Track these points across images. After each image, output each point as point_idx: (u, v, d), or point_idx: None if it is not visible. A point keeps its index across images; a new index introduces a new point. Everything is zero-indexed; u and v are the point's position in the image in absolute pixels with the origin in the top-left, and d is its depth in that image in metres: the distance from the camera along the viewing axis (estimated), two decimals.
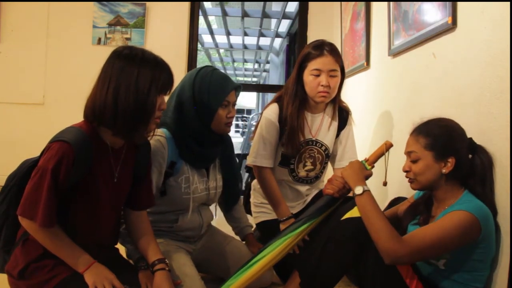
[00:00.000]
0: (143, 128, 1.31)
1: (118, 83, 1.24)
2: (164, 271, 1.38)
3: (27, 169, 1.31)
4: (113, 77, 1.25)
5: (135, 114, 1.25)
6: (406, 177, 1.39)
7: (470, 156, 1.33)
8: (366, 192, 1.36)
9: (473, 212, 1.21)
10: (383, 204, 1.69)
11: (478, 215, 1.21)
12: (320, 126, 1.95)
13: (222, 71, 1.71)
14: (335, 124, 1.96)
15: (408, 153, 1.37)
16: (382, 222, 1.27)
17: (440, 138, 1.32)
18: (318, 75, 1.82)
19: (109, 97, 1.24)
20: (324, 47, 1.83)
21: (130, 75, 1.24)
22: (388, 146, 1.50)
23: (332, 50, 1.83)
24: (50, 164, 1.19)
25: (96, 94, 1.26)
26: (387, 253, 1.22)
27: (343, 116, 1.99)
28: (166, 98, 1.39)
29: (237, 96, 1.64)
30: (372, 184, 1.59)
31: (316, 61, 1.82)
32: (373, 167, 1.52)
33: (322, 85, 1.81)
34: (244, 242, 1.88)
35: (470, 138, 1.35)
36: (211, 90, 1.56)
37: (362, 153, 2.20)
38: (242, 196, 2.20)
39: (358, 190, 1.37)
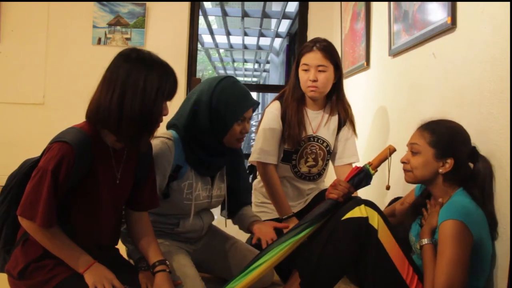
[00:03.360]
0: (147, 135, 1.30)
1: (124, 88, 1.22)
2: (165, 272, 1.37)
3: (27, 169, 1.30)
4: (119, 81, 1.23)
5: (140, 121, 1.24)
6: (404, 168, 1.40)
7: (472, 164, 1.33)
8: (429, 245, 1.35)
9: (454, 217, 1.23)
10: (383, 204, 1.69)
11: (460, 218, 1.23)
12: (320, 123, 1.96)
13: (221, 71, 1.70)
14: (335, 121, 1.97)
15: (410, 144, 1.39)
16: (431, 276, 1.28)
17: (445, 137, 1.34)
18: (307, 70, 1.86)
19: (114, 102, 1.22)
20: (315, 44, 1.88)
21: (137, 80, 1.23)
22: (391, 151, 1.51)
23: (323, 46, 1.86)
24: (50, 164, 1.19)
25: (101, 98, 1.25)
26: None
27: (343, 114, 1.99)
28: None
29: (254, 111, 1.60)
30: (374, 186, 1.60)
31: (305, 56, 1.88)
32: (376, 171, 1.53)
33: (310, 80, 1.84)
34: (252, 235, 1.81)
35: (474, 147, 1.35)
36: (229, 105, 1.50)
37: (361, 153, 2.20)
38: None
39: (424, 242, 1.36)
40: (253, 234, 1.69)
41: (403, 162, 1.41)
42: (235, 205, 1.78)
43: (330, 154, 2.00)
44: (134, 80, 1.23)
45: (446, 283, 1.22)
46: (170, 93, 1.30)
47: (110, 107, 1.23)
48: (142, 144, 1.34)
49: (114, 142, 1.32)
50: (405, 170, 1.40)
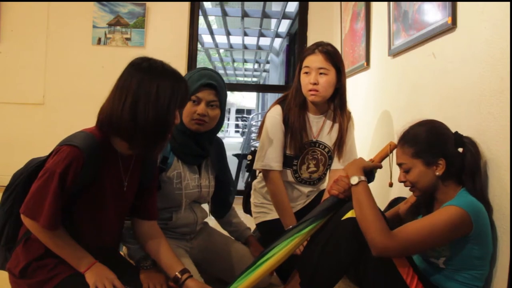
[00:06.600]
0: (161, 144, 1.30)
1: (136, 97, 1.22)
2: (193, 277, 1.40)
3: (33, 168, 1.30)
4: (131, 90, 1.22)
5: (154, 130, 1.23)
6: (405, 186, 1.40)
7: (461, 149, 1.34)
8: (362, 182, 1.38)
9: (463, 206, 1.22)
10: (383, 205, 1.69)
11: (468, 209, 1.22)
12: (322, 128, 1.94)
13: (221, 71, 1.70)
14: (336, 127, 1.95)
15: (399, 165, 1.39)
16: (373, 214, 1.29)
17: (425, 144, 1.33)
18: (308, 73, 1.83)
19: (127, 111, 1.22)
20: (318, 47, 1.84)
21: (150, 89, 1.22)
22: (392, 147, 1.50)
23: (325, 50, 1.83)
24: (58, 167, 1.18)
25: (113, 107, 1.24)
26: (375, 245, 1.25)
27: (345, 123, 1.95)
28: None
29: (218, 96, 1.59)
30: (374, 184, 1.59)
31: (307, 59, 1.85)
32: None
33: (310, 83, 1.81)
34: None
35: (456, 132, 1.36)
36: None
37: (362, 153, 2.20)
38: (242, 196, 2.19)
39: (354, 180, 1.39)
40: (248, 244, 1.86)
41: (401, 182, 1.40)
42: (223, 202, 1.84)
43: (331, 159, 1.98)
44: (147, 89, 1.22)
45: (403, 244, 1.23)
46: (182, 102, 1.31)
47: (122, 116, 1.22)
48: (156, 153, 1.34)
49: (124, 149, 1.32)
50: (410, 189, 1.40)
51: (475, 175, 1.31)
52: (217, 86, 1.59)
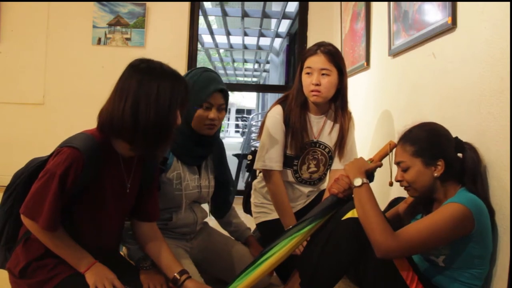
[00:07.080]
0: (164, 145, 1.30)
1: (137, 97, 1.22)
2: (191, 278, 1.39)
3: (34, 168, 1.30)
4: (131, 91, 1.22)
5: (155, 131, 1.23)
6: (401, 185, 1.40)
7: (460, 154, 1.34)
8: (365, 184, 1.38)
9: (465, 204, 1.22)
10: (383, 204, 1.69)
11: (470, 207, 1.22)
12: (322, 128, 1.94)
13: (221, 71, 1.71)
14: (337, 127, 1.95)
15: (397, 163, 1.39)
16: (377, 215, 1.29)
17: (426, 143, 1.33)
18: (310, 73, 1.83)
19: (127, 112, 1.21)
20: (319, 47, 1.84)
21: (150, 90, 1.22)
22: (392, 146, 1.50)
23: (327, 50, 1.83)
24: (59, 169, 1.19)
25: (114, 109, 1.24)
26: (379, 246, 1.25)
27: (346, 124, 1.96)
28: None
29: (225, 99, 1.61)
30: (374, 184, 1.59)
31: (309, 60, 1.85)
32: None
33: (312, 84, 1.81)
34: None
35: (456, 137, 1.36)
36: (194, 90, 1.55)
37: (362, 153, 2.20)
38: (242, 196, 2.20)
39: (357, 182, 1.38)
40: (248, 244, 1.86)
41: (398, 181, 1.40)
42: (222, 203, 1.84)
43: (331, 159, 1.98)
44: (147, 90, 1.22)
45: (407, 244, 1.23)
46: (183, 102, 1.31)
47: (123, 117, 1.22)
48: (160, 154, 1.35)
49: (125, 150, 1.31)
50: (404, 188, 1.40)
51: (475, 180, 1.31)
52: (226, 90, 1.61)
